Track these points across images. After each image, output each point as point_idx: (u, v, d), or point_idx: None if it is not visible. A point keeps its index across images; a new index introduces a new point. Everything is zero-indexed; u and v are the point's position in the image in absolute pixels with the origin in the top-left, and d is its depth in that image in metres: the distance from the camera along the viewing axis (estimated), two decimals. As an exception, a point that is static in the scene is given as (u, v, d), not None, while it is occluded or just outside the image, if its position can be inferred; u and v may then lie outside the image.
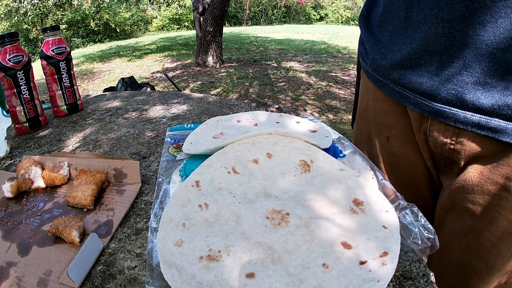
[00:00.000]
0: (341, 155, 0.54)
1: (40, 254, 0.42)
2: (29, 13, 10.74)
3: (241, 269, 0.34)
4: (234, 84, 4.41)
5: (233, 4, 14.66)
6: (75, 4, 11.47)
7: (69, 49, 0.89)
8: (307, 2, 17.00)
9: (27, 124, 0.82)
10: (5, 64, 0.75)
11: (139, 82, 3.24)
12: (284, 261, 0.35)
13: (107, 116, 0.92)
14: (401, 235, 0.37)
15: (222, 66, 5.42)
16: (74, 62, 0.96)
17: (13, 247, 0.44)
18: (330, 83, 4.40)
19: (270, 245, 0.37)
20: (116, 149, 0.71)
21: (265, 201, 0.43)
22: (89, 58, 6.92)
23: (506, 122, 0.41)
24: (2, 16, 10.64)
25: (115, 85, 3.17)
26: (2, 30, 10.21)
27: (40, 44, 1.01)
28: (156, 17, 13.96)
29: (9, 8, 10.63)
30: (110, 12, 11.71)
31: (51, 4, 11.13)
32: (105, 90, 3.02)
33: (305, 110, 3.46)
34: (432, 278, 0.38)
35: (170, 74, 5.02)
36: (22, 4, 10.66)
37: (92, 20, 11.51)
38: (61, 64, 0.88)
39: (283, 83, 4.42)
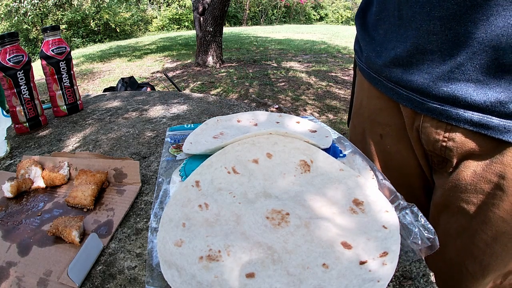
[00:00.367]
0: (341, 155, 0.54)
1: (40, 254, 0.42)
2: (29, 13, 10.74)
3: (241, 269, 0.34)
4: (234, 84, 4.41)
5: (233, 4, 14.66)
6: (75, 4, 11.47)
7: (69, 49, 0.89)
8: (307, 2, 17.00)
9: (27, 124, 0.82)
10: (5, 64, 0.75)
11: (139, 82, 3.24)
12: (284, 261, 0.35)
13: (107, 116, 0.92)
14: (401, 235, 0.37)
15: (222, 66, 5.42)
16: (74, 62, 0.96)
17: (13, 247, 0.44)
18: (330, 83, 4.40)
19: (270, 245, 0.37)
20: (116, 149, 0.71)
21: (265, 201, 0.43)
22: (89, 58, 6.92)
23: (498, 119, 0.41)
24: (2, 16, 10.64)
25: (115, 85, 3.17)
26: (2, 30, 10.20)
27: (40, 44, 1.01)
28: (156, 17, 13.96)
29: (9, 8, 10.63)
30: (110, 12, 11.71)
31: (51, 4, 11.13)
32: (105, 90, 3.02)
33: (305, 110, 3.46)
34: (432, 278, 0.38)
35: (170, 74, 5.02)
36: (22, 4, 10.66)
37: (92, 20, 11.51)
38: (61, 64, 0.88)
39: (283, 83, 4.42)
